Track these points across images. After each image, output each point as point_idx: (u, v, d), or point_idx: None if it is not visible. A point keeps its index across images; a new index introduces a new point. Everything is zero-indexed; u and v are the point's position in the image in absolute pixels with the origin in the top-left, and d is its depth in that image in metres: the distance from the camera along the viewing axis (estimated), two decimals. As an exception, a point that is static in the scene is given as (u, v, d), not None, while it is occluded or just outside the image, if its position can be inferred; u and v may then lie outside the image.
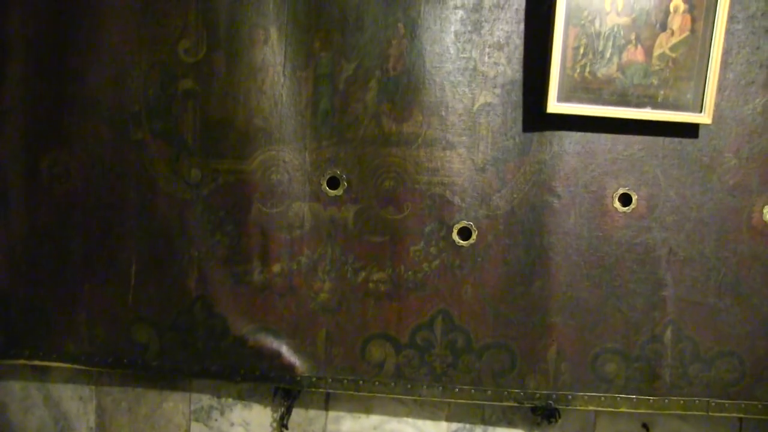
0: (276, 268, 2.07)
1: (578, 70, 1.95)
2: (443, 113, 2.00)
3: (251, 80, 2.00)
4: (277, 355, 2.08)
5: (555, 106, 1.94)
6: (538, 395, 2.07)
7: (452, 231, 2.02)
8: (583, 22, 1.93)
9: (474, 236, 2.02)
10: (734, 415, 2.09)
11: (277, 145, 2.03)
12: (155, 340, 2.11)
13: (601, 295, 2.04)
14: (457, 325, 2.06)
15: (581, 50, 1.94)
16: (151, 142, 2.05)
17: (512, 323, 2.05)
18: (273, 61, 2.00)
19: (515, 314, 2.05)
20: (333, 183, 2.04)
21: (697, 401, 2.08)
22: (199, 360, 2.11)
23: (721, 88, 2.00)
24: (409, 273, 2.04)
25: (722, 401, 2.08)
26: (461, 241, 2.03)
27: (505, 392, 2.07)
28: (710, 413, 2.08)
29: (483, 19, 1.99)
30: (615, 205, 2.02)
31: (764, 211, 2.06)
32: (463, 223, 2.02)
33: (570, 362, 2.06)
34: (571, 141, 2.00)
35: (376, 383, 2.09)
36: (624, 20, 1.94)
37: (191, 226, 2.06)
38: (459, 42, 1.99)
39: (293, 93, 2.01)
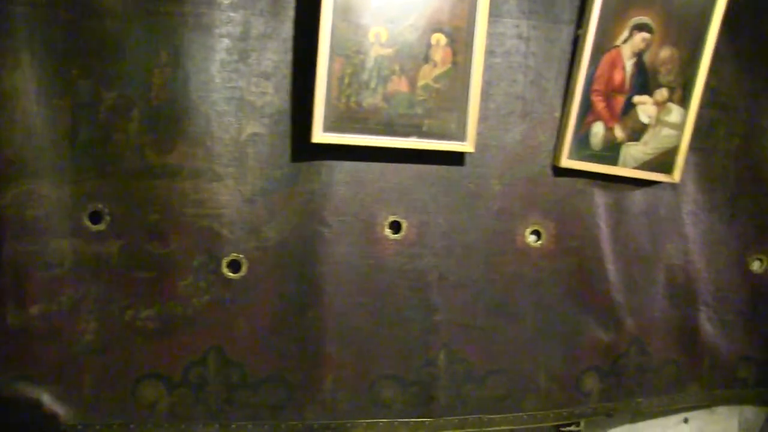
0: (34, 310, 2.29)
1: (344, 100, 2.35)
2: (209, 144, 2.33)
3: (0, 108, 2.23)
4: (37, 405, 2.31)
5: (321, 135, 2.34)
6: (317, 426, 2.46)
7: (221, 264, 2.37)
8: (347, 52, 2.33)
9: (244, 268, 2.38)
10: (505, 428, 2.60)
11: (32, 178, 2.25)
12: None
13: (376, 323, 2.47)
14: (231, 360, 2.40)
15: (346, 80, 2.34)
16: None
17: (287, 355, 2.42)
18: (25, 88, 2.22)
19: (290, 346, 2.42)
20: (95, 218, 2.30)
21: (470, 419, 2.57)
22: (-54, 415, 2.29)
23: (483, 118, 2.49)
24: (179, 309, 2.35)
25: (494, 416, 2.59)
26: (231, 274, 2.38)
27: (284, 425, 2.45)
28: (483, 429, 2.58)
29: (250, 48, 2.35)
30: (386, 233, 2.46)
31: (526, 233, 2.59)
32: (233, 256, 2.37)
33: (347, 390, 2.47)
34: (340, 170, 2.41)
35: (149, 425, 2.39)
36: (388, 52, 2.37)
37: (-67, 267, 2.25)
38: (225, 71, 2.33)
39: (49, 123, 2.24)
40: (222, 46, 2.27)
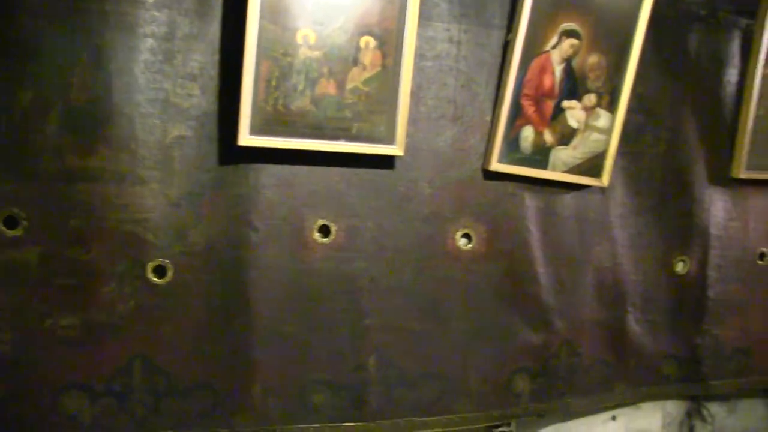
0: (-56, 321, 2.24)
1: (271, 103, 2.37)
2: (133, 146, 2.32)
3: None
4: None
5: (248, 138, 2.36)
6: (246, 433, 2.49)
7: (146, 269, 2.36)
8: (275, 54, 2.35)
9: (170, 274, 2.38)
10: (437, 430, 2.67)
11: (-56, 181, 2.21)
12: None
13: (305, 328, 2.50)
14: (157, 368, 2.40)
15: (274, 83, 2.37)
16: None
17: (216, 361, 2.43)
18: (-64, 87, 2.18)
19: (218, 352, 2.43)
20: (11, 223, 2.27)
21: (402, 422, 2.63)
22: None
23: (414, 121, 2.55)
24: (102, 316, 2.33)
25: (426, 419, 2.65)
26: (157, 280, 2.38)
27: (212, 433, 2.46)
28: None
29: (175, 48, 2.34)
30: (315, 237, 2.50)
31: (457, 237, 2.66)
32: (159, 261, 2.37)
33: (277, 396, 2.49)
34: (268, 174, 2.43)
35: (70, 437, 2.37)
36: (316, 54, 2.40)
37: None
38: (149, 72, 2.33)
39: (-38, 124, 2.21)
40: (146, 46, 2.27)
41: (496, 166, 2.66)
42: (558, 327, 2.88)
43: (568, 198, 2.87)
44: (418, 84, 2.52)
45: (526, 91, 2.66)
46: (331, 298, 2.49)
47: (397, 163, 2.53)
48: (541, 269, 2.82)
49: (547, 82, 2.69)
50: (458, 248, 2.63)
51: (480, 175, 2.66)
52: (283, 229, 2.42)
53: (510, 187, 2.73)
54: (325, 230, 2.47)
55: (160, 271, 2.35)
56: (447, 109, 2.59)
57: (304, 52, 2.35)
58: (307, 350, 2.49)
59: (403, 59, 2.44)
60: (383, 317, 2.56)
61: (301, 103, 2.37)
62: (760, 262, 3.43)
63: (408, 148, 2.49)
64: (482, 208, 2.68)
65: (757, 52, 3.12)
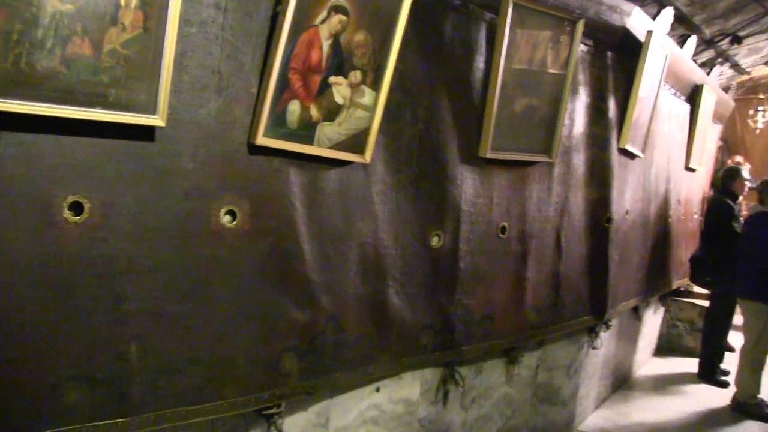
0: None
1: (12, 60, 2.19)
2: None
3: None
4: None
5: (-19, 102, 2.18)
6: (-18, 447, 2.32)
7: None
8: (15, 3, 2.18)
9: None
10: (206, 417, 2.74)
11: None
12: None
13: (54, 317, 2.38)
14: None
15: (15, 37, 2.19)
16: None
17: (-62, 366, 2.23)
18: None
19: (-58, 355, 2.23)
20: None
21: (167, 413, 2.64)
22: None
23: (176, 91, 2.55)
24: None
25: (193, 407, 2.70)
26: None
27: (-62, 450, 2.25)
28: (183, 422, 2.68)
29: None
30: (65, 216, 2.38)
31: (221, 214, 2.73)
32: None
33: (23, 399, 2.35)
34: (7, 143, 2.25)
35: None
36: (68, 8, 2.26)
37: None
38: None
39: None
40: None
41: (261, 140, 2.77)
42: (324, 304, 3.10)
43: (333, 174, 3.09)
44: (182, 51, 2.52)
45: (293, 64, 2.80)
46: (85, 283, 2.41)
47: (158, 135, 2.52)
48: (307, 246, 3.01)
49: (314, 56, 2.87)
50: (222, 225, 2.71)
51: (245, 149, 2.75)
52: (26, 207, 2.28)
53: (275, 162, 2.86)
54: (76, 207, 2.38)
55: None
56: (211, 80, 2.63)
57: (53, 4, 2.20)
58: (57, 343, 2.38)
59: (167, 23, 2.42)
60: (143, 301, 2.54)
61: (49, 62, 2.24)
62: (501, 236, 4.03)
63: (170, 120, 2.49)
64: (247, 183, 2.77)
65: (501, 47, 3.66)
